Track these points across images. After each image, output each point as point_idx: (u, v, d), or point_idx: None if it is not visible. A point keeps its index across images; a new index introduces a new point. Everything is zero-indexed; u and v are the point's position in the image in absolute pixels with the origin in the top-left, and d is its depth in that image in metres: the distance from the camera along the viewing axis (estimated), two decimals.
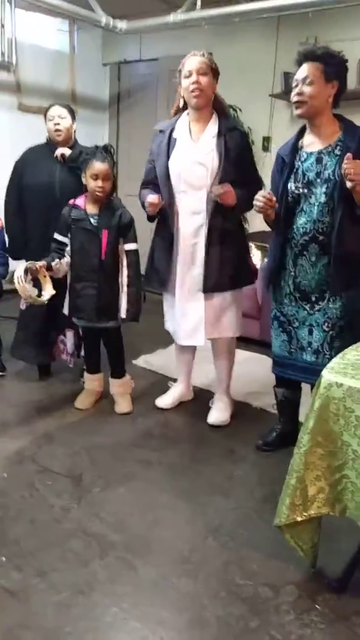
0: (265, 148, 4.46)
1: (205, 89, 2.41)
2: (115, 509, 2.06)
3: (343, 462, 1.58)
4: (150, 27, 4.16)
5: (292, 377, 2.35)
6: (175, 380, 3.03)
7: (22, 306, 2.95)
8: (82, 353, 3.04)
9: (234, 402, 2.90)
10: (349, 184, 1.96)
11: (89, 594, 1.65)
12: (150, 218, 2.63)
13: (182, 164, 2.49)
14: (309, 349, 2.25)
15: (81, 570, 1.74)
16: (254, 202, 2.18)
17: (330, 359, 2.10)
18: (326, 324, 2.19)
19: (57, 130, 2.86)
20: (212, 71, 2.43)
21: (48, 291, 2.52)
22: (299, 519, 1.64)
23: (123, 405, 2.87)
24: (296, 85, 2.11)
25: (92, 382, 2.96)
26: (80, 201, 2.64)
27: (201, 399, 2.98)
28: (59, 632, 1.51)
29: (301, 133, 2.25)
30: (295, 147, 2.23)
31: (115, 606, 1.60)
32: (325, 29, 3.99)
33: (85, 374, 2.97)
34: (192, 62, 2.41)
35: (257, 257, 4.18)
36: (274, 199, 2.17)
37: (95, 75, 5.36)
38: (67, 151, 2.86)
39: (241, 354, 3.66)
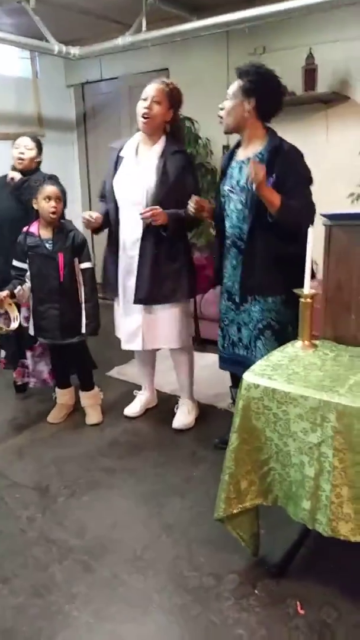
0: None
1: (154, 116, 2.52)
2: (77, 515, 2.19)
3: (269, 456, 1.71)
4: (102, 51, 4.30)
5: (230, 370, 2.52)
6: (140, 388, 3.16)
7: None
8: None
9: (199, 405, 3.03)
10: (253, 186, 2.10)
11: (46, 596, 1.78)
12: (94, 231, 2.75)
13: (124, 181, 2.63)
14: (240, 344, 2.41)
15: (41, 575, 1.87)
16: (188, 208, 2.37)
17: (254, 356, 2.30)
18: (251, 324, 2.35)
19: (19, 158, 3.01)
20: (170, 101, 2.53)
21: (16, 319, 2.67)
22: (235, 511, 1.76)
23: (93, 416, 3.00)
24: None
25: (63, 396, 3.10)
26: (33, 228, 2.78)
27: (168, 404, 3.11)
28: (16, 632, 1.64)
29: (239, 143, 2.41)
30: (231, 155, 2.41)
31: (70, 605, 1.74)
32: (272, 40, 4.13)
33: (57, 389, 3.11)
34: (151, 87, 2.54)
35: None
36: (206, 204, 2.37)
37: (60, 97, 5.51)
38: (17, 175, 3.00)
39: (208, 357, 3.81)
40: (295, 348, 1.90)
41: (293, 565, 1.86)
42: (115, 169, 2.67)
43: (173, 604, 1.72)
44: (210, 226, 3.06)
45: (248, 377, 1.70)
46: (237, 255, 2.32)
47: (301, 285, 1.89)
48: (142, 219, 2.50)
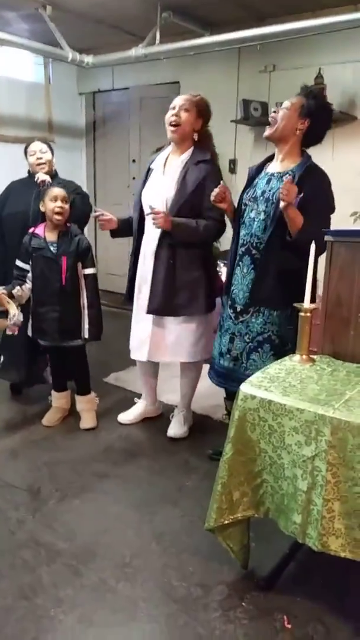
0: (232, 170, 4.64)
1: (183, 124, 2.55)
2: (68, 519, 2.18)
3: (262, 468, 1.71)
4: (115, 61, 4.37)
5: (215, 383, 2.53)
6: (140, 396, 3.16)
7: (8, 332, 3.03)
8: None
9: (194, 416, 3.03)
10: (281, 204, 2.12)
11: (32, 598, 1.77)
12: (112, 234, 2.82)
13: (150, 192, 2.68)
14: (228, 355, 2.41)
15: (28, 577, 1.86)
16: (212, 194, 2.35)
17: (245, 368, 2.32)
18: (247, 336, 2.36)
19: (40, 164, 3.02)
20: (198, 111, 2.57)
21: (15, 316, 2.67)
22: (226, 522, 1.76)
23: (87, 420, 3.00)
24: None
25: (59, 399, 3.10)
26: (39, 230, 2.81)
27: (166, 414, 3.10)
28: None
29: (271, 158, 2.43)
30: (261, 167, 2.43)
31: (56, 608, 1.73)
32: (282, 58, 4.20)
33: (53, 392, 3.11)
34: (179, 99, 2.59)
35: (224, 275, 4.33)
36: (227, 193, 2.36)
37: (71, 105, 5.58)
38: (48, 178, 2.98)
39: (205, 368, 3.81)
40: (292, 362, 1.91)
41: (282, 579, 1.86)
42: (145, 181, 2.72)
43: (160, 613, 1.71)
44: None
45: (245, 388, 1.71)
46: (249, 263, 2.33)
47: None
48: (147, 214, 2.54)
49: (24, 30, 4.46)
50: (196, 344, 2.74)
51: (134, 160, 5.41)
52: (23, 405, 3.27)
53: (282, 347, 2.28)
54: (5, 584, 1.82)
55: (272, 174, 2.33)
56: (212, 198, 2.36)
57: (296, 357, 1.92)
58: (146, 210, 2.66)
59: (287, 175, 2.23)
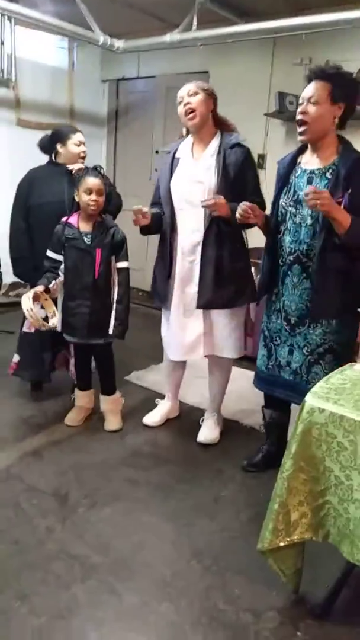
0: (261, 165, 4.47)
1: (197, 107, 2.41)
2: (99, 530, 2.05)
3: (325, 488, 1.57)
4: (147, 46, 4.21)
5: (270, 392, 2.37)
6: (162, 397, 3.02)
7: (30, 329, 2.89)
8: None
9: (224, 420, 2.89)
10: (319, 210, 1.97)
11: (69, 619, 1.63)
12: (143, 230, 2.61)
13: (182, 182, 2.51)
14: (287, 368, 2.26)
15: (62, 594, 1.73)
16: (237, 210, 2.18)
17: (307, 382, 2.15)
18: (306, 348, 2.19)
19: (82, 157, 2.94)
20: (205, 92, 2.44)
21: (55, 315, 2.61)
22: (282, 544, 1.63)
23: (113, 422, 2.86)
24: (301, 104, 2.08)
25: (82, 398, 2.95)
26: (73, 219, 2.66)
27: (191, 417, 2.97)
28: None
29: (302, 149, 2.23)
30: (293, 161, 2.22)
31: (95, 631, 1.59)
32: (319, 51, 4.02)
33: (76, 391, 2.97)
34: (183, 89, 2.47)
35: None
36: (258, 211, 2.19)
37: (94, 92, 5.41)
38: (82, 166, 2.85)
39: (232, 371, 3.67)
40: (355, 372, 1.76)
41: (336, 606, 1.72)
42: (171, 171, 2.55)
43: None
44: None
45: (311, 400, 1.57)
46: (300, 272, 2.15)
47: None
48: (204, 207, 2.37)
49: (49, 13, 4.29)
50: (240, 338, 2.67)
51: (157, 152, 5.24)
52: (43, 403, 3.12)
53: (346, 354, 2.12)
54: (40, 601, 1.68)
55: (313, 172, 2.12)
56: (240, 214, 2.17)
57: (358, 367, 1.79)
58: (179, 202, 2.51)
59: (329, 171, 2.06)
